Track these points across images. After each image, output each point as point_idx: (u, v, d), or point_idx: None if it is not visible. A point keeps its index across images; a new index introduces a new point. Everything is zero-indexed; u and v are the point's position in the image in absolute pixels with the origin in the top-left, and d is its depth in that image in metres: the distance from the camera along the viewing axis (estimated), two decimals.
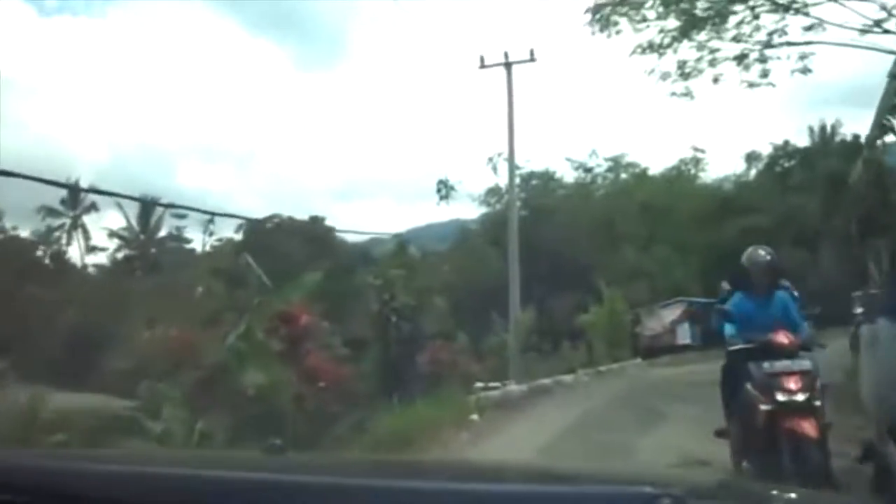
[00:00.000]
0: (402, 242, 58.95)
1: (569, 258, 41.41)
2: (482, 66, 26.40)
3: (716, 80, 21.07)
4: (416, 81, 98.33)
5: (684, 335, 35.00)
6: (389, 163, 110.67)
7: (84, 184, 44.38)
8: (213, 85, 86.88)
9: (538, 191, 46.73)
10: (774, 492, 1.95)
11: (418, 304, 22.48)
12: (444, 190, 44.47)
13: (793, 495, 1.92)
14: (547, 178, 47.64)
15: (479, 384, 22.21)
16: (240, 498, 1.61)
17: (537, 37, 77.54)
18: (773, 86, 20.86)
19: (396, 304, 20.64)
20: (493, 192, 43.53)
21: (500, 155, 44.31)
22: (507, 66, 26.25)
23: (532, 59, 26.14)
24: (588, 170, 45.09)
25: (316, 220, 42.97)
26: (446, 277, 48.06)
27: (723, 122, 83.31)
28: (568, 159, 45.60)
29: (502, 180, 43.90)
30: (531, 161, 43.76)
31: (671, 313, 35.64)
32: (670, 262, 40.48)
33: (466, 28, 77.03)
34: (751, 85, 21.40)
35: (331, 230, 52.79)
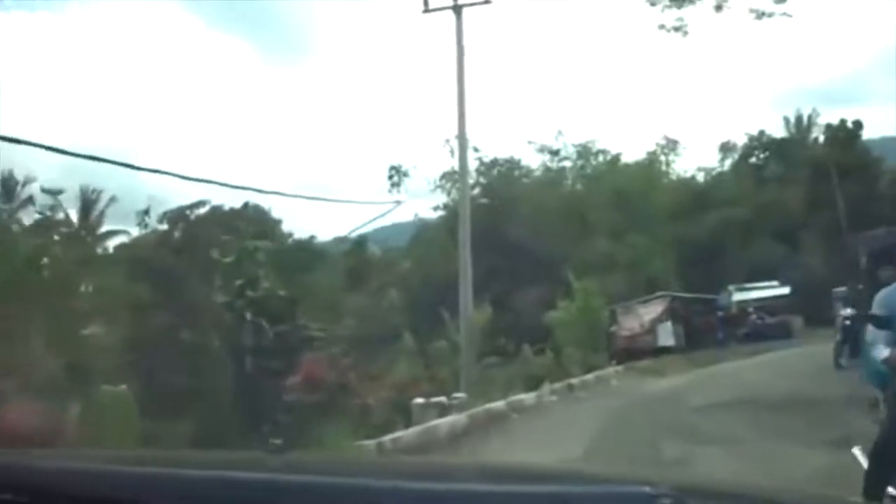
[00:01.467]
0: (359, 239, 53.79)
1: (536, 249, 36.37)
2: (426, 9, 20.97)
3: (718, 8, 15.84)
4: (383, 74, 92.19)
5: (666, 336, 29.75)
6: (358, 160, 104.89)
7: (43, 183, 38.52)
8: (177, 81, 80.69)
9: (503, 179, 41.21)
10: (774, 493, 1.90)
11: (293, 295, 15.99)
12: (397, 176, 39.24)
13: (793, 496, 1.90)
14: (512, 166, 42.09)
15: (420, 400, 17.36)
16: (240, 498, 1.53)
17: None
18: (790, 16, 15.79)
19: (255, 294, 13.94)
20: (449, 176, 38.10)
21: (457, 136, 39.28)
22: (457, 9, 20.87)
23: (486, 1, 20.76)
24: (554, 152, 39.87)
25: (248, 207, 37.12)
26: (403, 273, 43.27)
27: (695, 112, 77.97)
28: (531, 142, 40.11)
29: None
30: (495, 148, 38.75)
31: (651, 311, 30.38)
32: (646, 253, 35.26)
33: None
34: (760, 15, 16.23)
35: (276, 222, 47.47)
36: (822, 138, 47.31)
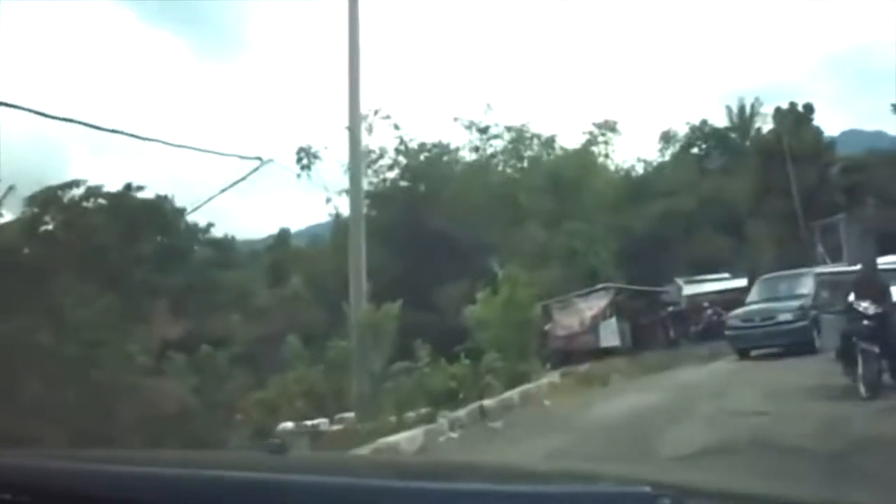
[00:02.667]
0: (282, 234, 47.69)
1: (464, 239, 31.40)
2: None
3: None
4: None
5: (611, 335, 24.90)
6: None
7: None
8: (108, 75, 73.58)
9: (430, 164, 36.03)
10: (775, 493, 1.90)
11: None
12: (306, 158, 33.82)
13: (794, 497, 1.89)
14: (441, 150, 36.84)
15: (288, 425, 13.50)
16: (240, 498, 1.52)
17: None
18: None
19: None
20: (364, 155, 32.69)
21: (376, 112, 34.03)
22: None
23: None
24: (482, 130, 34.68)
25: (131, 189, 31.17)
26: (322, 269, 38.03)
27: (634, 103, 73.40)
28: (457, 118, 34.96)
29: (378, 142, 33.44)
30: (423, 129, 33.52)
31: (592, 306, 25.48)
32: (585, 242, 30.56)
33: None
34: None
35: (178, 212, 41.70)
36: (765, 128, 43.98)
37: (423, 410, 14.37)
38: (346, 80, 17.15)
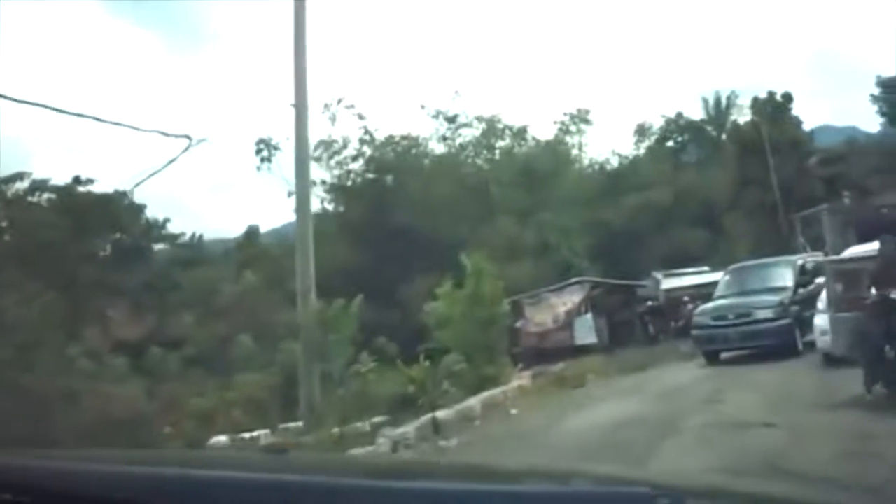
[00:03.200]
0: (250, 231, 45.63)
1: (433, 232, 29.61)
2: None
3: None
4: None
5: (586, 332, 23.11)
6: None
7: None
8: (74, 69, 70.41)
9: (399, 157, 34.13)
10: (775, 492, 1.90)
11: None
12: (266, 150, 31.79)
13: (794, 494, 1.94)
14: (410, 143, 34.91)
15: (221, 439, 12.34)
16: (240, 498, 1.49)
17: None
18: None
19: None
20: (326, 145, 30.83)
21: (339, 101, 32.14)
22: None
23: None
24: (451, 119, 32.80)
25: (80, 182, 29.06)
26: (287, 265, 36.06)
27: (606, 93, 71.38)
28: (424, 106, 33.11)
29: (341, 131, 31.52)
30: (391, 121, 31.55)
31: (567, 301, 23.68)
32: (558, 235, 28.84)
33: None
34: None
35: (135, 207, 39.55)
36: (742, 121, 42.55)
37: (379, 419, 12.59)
38: (292, 50, 15.32)
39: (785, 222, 32.97)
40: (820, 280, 13.43)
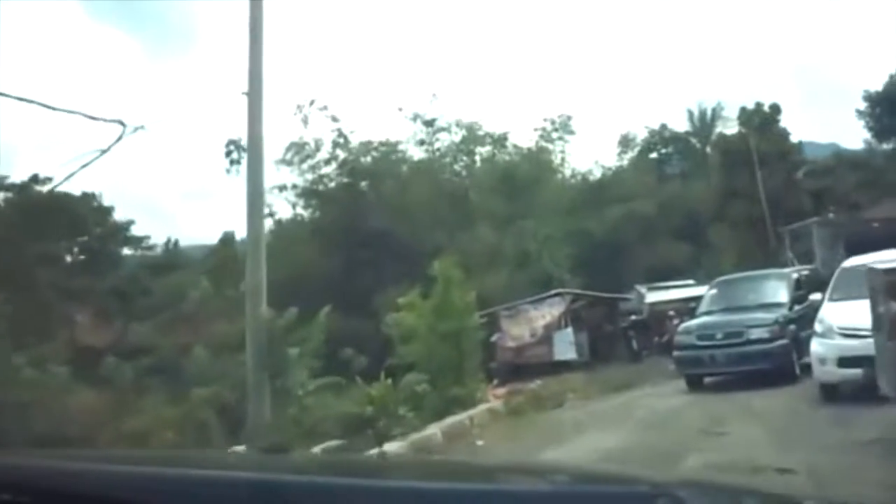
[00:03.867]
0: (226, 237, 43.71)
1: (408, 240, 28.01)
2: None
3: None
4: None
5: (566, 347, 21.50)
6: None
7: None
8: (56, 73, 67.85)
9: (377, 162, 32.46)
10: (776, 492, 1.94)
11: None
12: (236, 152, 30.14)
13: (792, 495, 1.89)
14: (389, 149, 33.23)
15: None
16: (240, 498, 1.48)
17: None
18: None
19: None
20: (297, 147, 29.16)
21: (311, 103, 30.49)
22: None
23: None
24: (429, 122, 31.19)
25: (38, 181, 27.25)
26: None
27: (590, 104, 69.81)
28: (401, 108, 31.48)
29: (313, 134, 29.89)
30: (361, 121, 29.90)
31: (546, 314, 22.07)
32: (539, 244, 27.30)
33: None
34: None
35: (104, 211, 37.83)
36: (727, 132, 41.35)
37: (332, 443, 10.98)
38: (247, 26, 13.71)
39: (773, 235, 31.77)
40: (815, 296, 11.95)
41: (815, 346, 10.04)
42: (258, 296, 13.98)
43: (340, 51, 60.58)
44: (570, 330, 21.63)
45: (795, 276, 14.76)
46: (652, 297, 25.34)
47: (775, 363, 12.37)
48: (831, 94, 57.16)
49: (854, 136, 39.24)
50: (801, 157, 35.93)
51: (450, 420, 10.62)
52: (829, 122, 56.23)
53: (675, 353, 14.33)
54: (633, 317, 23.81)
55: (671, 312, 23.18)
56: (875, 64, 63.18)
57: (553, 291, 22.91)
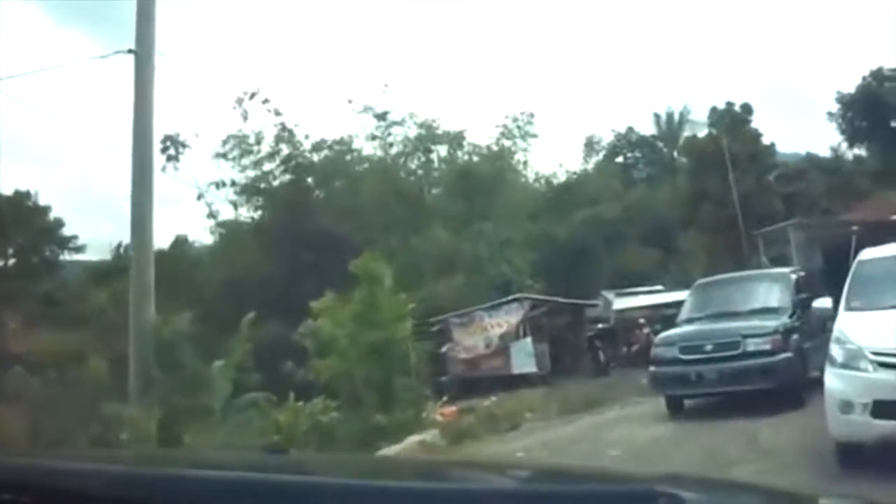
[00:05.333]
0: (178, 241, 40.50)
1: (358, 242, 25.12)
2: None
3: None
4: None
5: (525, 359, 18.74)
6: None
7: None
8: (16, 78, 63.56)
9: (331, 162, 29.59)
10: (777, 491, 1.82)
11: None
12: (173, 147, 27.15)
13: (794, 493, 1.82)
14: (343, 148, 30.35)
15: None
16: (240, 498, 1.43)
17: None
18: None
19: None
20: (236, 140, 26.23)
21: (251, 96, 27.60)
22: None
23: None
24: (380, 116, 28.33)
25: None
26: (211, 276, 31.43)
27: (554, 108, 67.03)
28: (351, 101, 28.62)
29: (255, 128, 27.02)
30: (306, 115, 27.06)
31: (502, 322, 19.31)
32: (494, 246, 24.70)
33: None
34: None
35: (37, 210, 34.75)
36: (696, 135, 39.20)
37: None
38: None
39: (745, 239, 29.62)
40: (820, 303, 8.67)
41: (832, 380, 6.57)
42: (144, 301, 11.26)
43: (284, 40, 56.52)
44: (529, 340, 18.86)
45: (794, 276, 12.00)
46: (620, 303, 22.82)
47: (778, 382, 9.67)
48: (804, 104, 55.52)
49: (823, 144, 37.22)
50: (773, 159, 33.89)
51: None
52: (800, 128, 54.49)
53: (653, 368, 11.31)
54: (600, 325, 21.17)
55: (641, 320, 20.65)
56: (843, 70, 61.64)
57: (510, 297, 20.15)
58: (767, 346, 9.86)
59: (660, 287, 26.34)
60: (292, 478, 1.60)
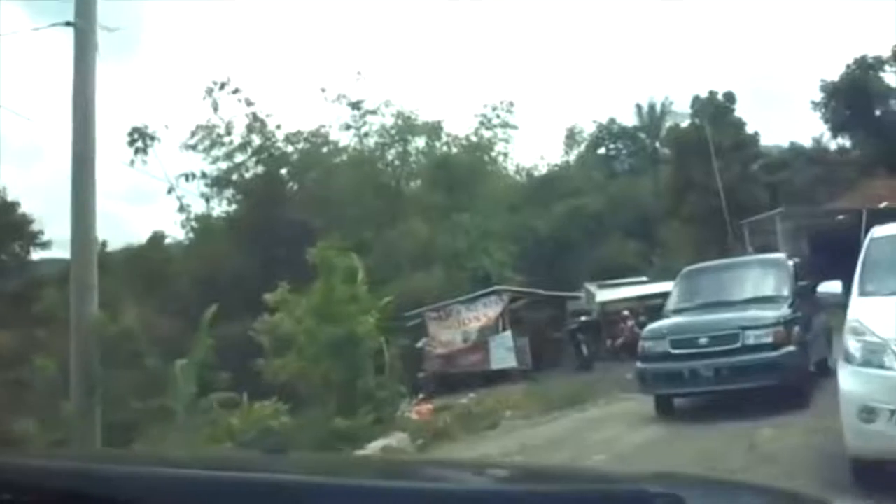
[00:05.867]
0: (154, 238, 39.67)
1: (332, 236, 24.05)
2: None
3: None
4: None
5: (505, 354, 17.76)
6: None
7: None
8: None
9: (308, 155, 28.48)
10: (777, 492, 1.72)
11: None
12: (141, 140, 25.95)
13: (796, 493, 1.74)
14: (319, 140, 29.21)
15: None
16: (240, 498, 1.40)
17: None
18: None
19: None
20: (206, 131, 25.10)
21: (222, 86, 26.44)
22: None
23: None
24: (355, 104, 27.19)
25: None
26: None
27: (536, 99, 65.38)
28: (324, 89, 27.44)
29: (225, 117, 25.93)
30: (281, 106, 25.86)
31: (481, 315, 18.30)
32: (473, 238, 23.77)
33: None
34: None
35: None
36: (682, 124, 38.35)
37: None
38: None
39: (731, 229, 28.86)
40: (828, 286, 7.53)
41: (849, 381, 5.39)
42: (85, 297, 10.24)
43: (254, 27, 54.11)
44: (508, 334, 17.87)
45: (792, 262, 11.00)
46: (603, 295, 21.91)
47: (781, 378, 8.60)
48: (783, 92, 54.65)
49: (803, 135, 36.47)
50: (757, 148, 33.11)
51: None
52: (778, 122, 53.59)
53: (640, 364, 10.14)
54: (583, 318, 20.20)
55: (625, 312, 19.73)
56: (825, 62, 60.65)
57: (489, 289, 19.15)
58: (769, 339, 8.80)
59: (643, 278, 25.53)
60: (292, 478, 1.56)
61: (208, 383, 12.22)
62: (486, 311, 18.04)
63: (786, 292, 9.76)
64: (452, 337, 18.02)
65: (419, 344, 17.62)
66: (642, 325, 19.41)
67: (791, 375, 8.65)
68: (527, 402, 14.15)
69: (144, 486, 1.48)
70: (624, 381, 14.85)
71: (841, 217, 25.67)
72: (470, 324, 17.96)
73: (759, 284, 10.20)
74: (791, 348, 8.80)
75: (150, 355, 12.22)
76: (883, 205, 27.19)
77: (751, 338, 8.85)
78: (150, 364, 11.80)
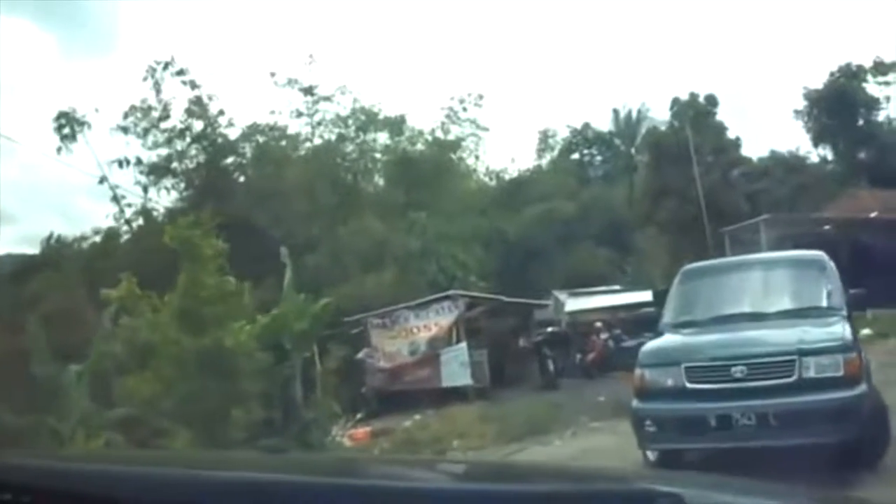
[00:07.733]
0: (110, 232, 36.75)
1: (280, 232, 21.67)
2: None
3: None
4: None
5: (458, 369, 14.92)
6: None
7: None
8: None
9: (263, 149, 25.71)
10: (777, 492, 1.72)
11: None
12: (69, 126, 22.99)
13: (796, 493, 1.76)
14: (278, 133, 26.47)
15: None
16: (240, 498, 1.38)
17: None
18: None
19: None
20: (140, 112, 22.29)
21: (166, 66, 23.63)
22: None
23: None
24: (307, 91, 24.48)
25: None
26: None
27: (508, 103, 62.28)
28: (273, 74, 24.70)
29: (165, 98, 23.14)
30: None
31: (431, 323, 15.48)
32: (435, 240, 21.22)
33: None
34: None
35: None
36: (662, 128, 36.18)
37: None
38: None
39: (711, 237, 26.69)
40: None
41: None
42: None
43: (201, 6, 49.74)
44: (463, 346, 15.07)
45: (831, 263, 7.21)
46: (573, 304, 19.38)
47: (857, 431, 5.60)
48: (762, 101, 52.69)
49: (783, 145, 34.39)
50: (738, 153, 30.97)
51: None
52: (757, 132, 51.66)
53: (639, 404, 6.58)
54: (550, 329, 17.53)
55: (598, 324, 17.16)
56: (808, 71, 58.79)
57: (442, 294, 16.38)
58: (840, 372, 5.78)
59: (616, 287, 23.13)
60: (292, 478, 1.54)
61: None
62: (437, 320, 15.21)
63: (838, 303, 6.66)
64: (398, 348, 15.20)
65: (359, 355, 14.94)
66: (617, 340, 16.98)
67: (868, 427, 5.71)
68: (480, 428, 11.69)
69: (144, 486, 1.43)
70: (594, 405, 12.33)
71: (827, 227, 23.77)
72: (419, 333, 15.13)
73: (801, 291, 7.01)
74: (864, 387, 5.81)
75: (41, 362, 9.60)
76: (873, 214, 25.37)
77: (811, 368, 5.78)
78: (43, 372, 9.23)
